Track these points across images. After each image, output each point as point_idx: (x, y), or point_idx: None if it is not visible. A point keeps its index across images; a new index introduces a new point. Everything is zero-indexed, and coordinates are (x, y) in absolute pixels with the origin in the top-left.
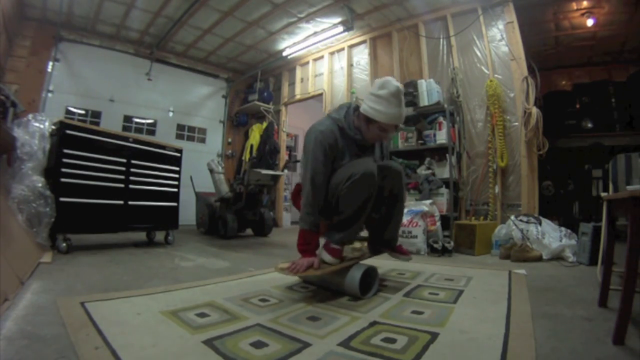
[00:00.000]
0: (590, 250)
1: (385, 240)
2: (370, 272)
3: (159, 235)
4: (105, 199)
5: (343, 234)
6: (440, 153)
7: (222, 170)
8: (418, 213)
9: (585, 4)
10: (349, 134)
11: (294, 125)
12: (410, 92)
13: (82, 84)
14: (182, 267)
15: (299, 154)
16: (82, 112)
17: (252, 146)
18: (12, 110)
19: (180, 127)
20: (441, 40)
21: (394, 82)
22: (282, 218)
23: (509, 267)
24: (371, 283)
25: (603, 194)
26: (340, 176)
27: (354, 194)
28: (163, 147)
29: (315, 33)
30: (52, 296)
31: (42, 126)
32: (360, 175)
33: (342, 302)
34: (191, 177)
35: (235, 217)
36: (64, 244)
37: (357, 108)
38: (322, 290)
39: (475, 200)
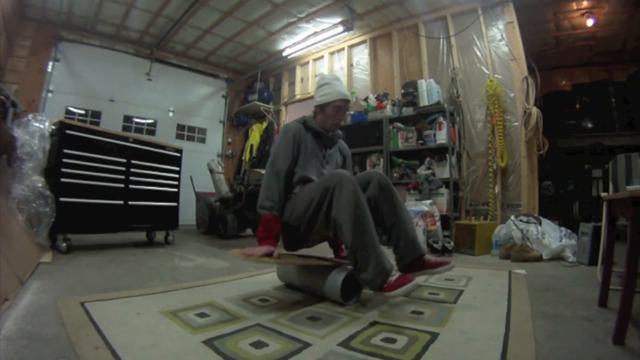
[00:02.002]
0: (590, 250)
1: (405, 251)
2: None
3: (159, 235)
4: (105, 199)
5: (372, 266)
6: (440, 153)
7: (222, 170)
8: (418, 213)
9: (585, 4)
10: (313, 127)
11: None
12: (410, 92)
13: (82, 84)
14: (182, 267)
15: None
16: (82, 112)
17: (252, 146)
18: (12, 110)
19: (180, 127)
20: (441, 40)
21: (329, 73)
22: None
23: (509, 267)
24: (356, 288)
25: (603, 194)
26: (309, 194)
27: (343, 206)
28: (163, 147)
29: (315, 33)
30: (52, 296)
31: (42, 126)
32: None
33: (340, 302)
34: (191, 177)
35: (235, 217)
36: (64, 244)
37: (314, 113)
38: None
39: (475, 200)
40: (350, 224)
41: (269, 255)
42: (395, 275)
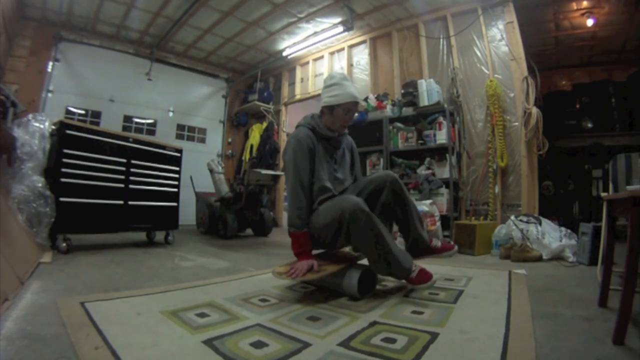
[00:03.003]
0: (590, 250)
1: (413, 244)
2: (370, 272)
3: (159, 235)
4: (105, 199)
5: (394, 269)
6: (440, 153)
7: (222, 170)
8: None
9: (585, 4)
10: (321, 132)
11: (294, 125)
12: (410, 92)
13: (82, 84)
14: (182, 267)
15: None
16: (82, 112)
17: (252, 146)
18: (12, 110)
19: (180, 127)
20: (441, 40)
21: (338, 71)
22: (282, 218)
23: (509, 267)
24: (370, 283)
25: (603, 194)
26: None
27: (359, 234)
28: (163, 147)
29: (315, 33)
30: (52, 296)
31: (42, 126)
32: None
33: (342, 302)
34: (191, 177)
35: (235, 217)
36: (64, 244)
37: (321, 113)
38: (322, 290)
39: (475, 200)
40: (369, 248)
41: (310, 269)
42: (416, 270)
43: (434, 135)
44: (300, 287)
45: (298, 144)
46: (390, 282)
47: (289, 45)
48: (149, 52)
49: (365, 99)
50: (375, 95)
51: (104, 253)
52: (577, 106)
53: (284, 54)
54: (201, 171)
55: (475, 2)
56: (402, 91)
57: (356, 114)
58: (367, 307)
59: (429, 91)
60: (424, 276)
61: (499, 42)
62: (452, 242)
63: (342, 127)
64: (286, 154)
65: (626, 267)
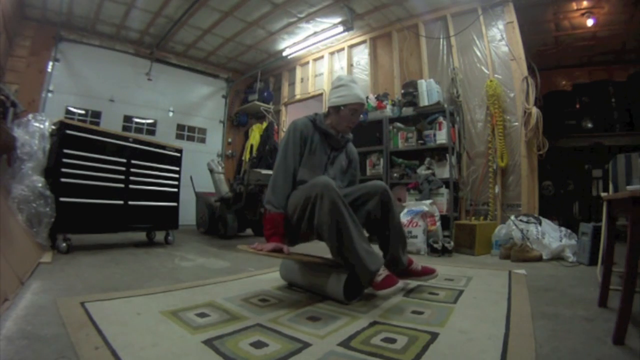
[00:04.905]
0: (590, 250)
1: (390, 262)
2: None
3: (159, 235)
4: (105, 199)
5: (358, 268)
6: (440, 153)
7: (222, 170)
8: (418, 213)
9: (585, 4)
10: (322, 127)
11: None
12: (410, 92)
13: (82, 84)
14: (182, 267)
15: None
16: (82, 112)
17: (252, 146)
18: (12, 110)
19: (180, 127)
20: (441, 40)
21: (346, 74)
22: None
23: (509, 267)
24: (359, 288)
25: (603, 194)
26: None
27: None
28: (163, 147)
29: (315, 33)
30: (52, 296)
31: (42, 126)
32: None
33: (342, 302)
34: (191, 177)
35: (235, 217)
36: (64, 244)
37: (327, 113)
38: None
39: (475, 200)
40: (331, 233)
41: (278, 251)
42: (382, 275)
43: (434, 135)
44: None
45: (294, 129)
46: None
47: (289, 45)
48: (149, 52)
49: (366, 99)
50: (375, 95)
51: (104, 253)
52: (577, 106)
53: (284, 54)
54: (201, 171)
55: (475, 2)
56: (402, 91)
57: (361, 117)
58: (367, 307)
59: (429, 91)
60: (389, 281)
61: (499, 42)
62: (433, 267)
63: (348, 127)
64: (282, 139)
65: (626, 267)
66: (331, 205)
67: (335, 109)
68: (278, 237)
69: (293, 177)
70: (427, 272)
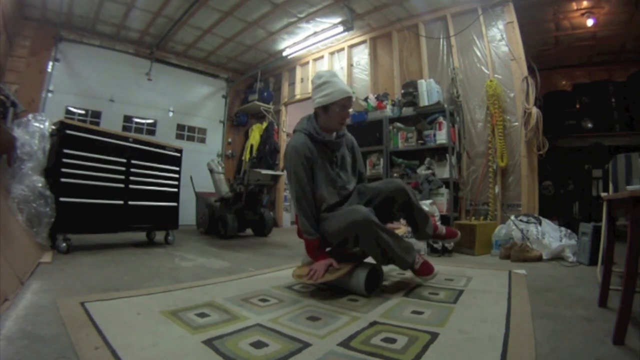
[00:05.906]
0: (590, 250)
1: (421, 235)
2: (375, 271)
3: (159, 235)
4: (105, 199)
5: (399, 264)
6: (440, 153)
7: (222, 170)
8: None
9: (585, 4)
10: (318, 138)
11: (294, 125)
12: (410, 92)
13: (82, 84)
14: (182, 267)
15: None
16: (82, 112)
17: (252, 146)
18: (12, 110)
19: (180, 127)
20: (441, 40)
21: (324, 70)
22: (282, 218)
23: (509, 267)
24: (377, 281)
25: (603, 194)
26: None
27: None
28: (163, 147)
29: (315, 33)
30: (52, 296)
31: (42, 126)
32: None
33: (342, 302)
34: (191, 177)
35: (235, 217)
36: (64, 244)
37: (315, 115)
38: (322, 290)
39: (475, 200)
40: (376, 252)
41: (328, 268)
42: (419, 262)
43: (434, 135)
44: (300, 287)
45: (296, 154)
46: (390, 281)
47: (289, 45)
48: (149, 52)
49: (365, 99)
50: (375, 95)
51: (104, 253)
52: (577, 106)
53: (284, 54)
54: (201, 171)
55: (475, 2)
56: (402, 91)
57: (351, 110)
58: (367, 307)
59: (429, 91)
60: (427, 269)
61: (499, 42)
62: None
63: (340, 124)
64: (286, 162)
65: (626, 267)
66: (375, 235)
67: (323, 109)
68: (323, 255)
69: (313, 198)
70: (451, 235)
